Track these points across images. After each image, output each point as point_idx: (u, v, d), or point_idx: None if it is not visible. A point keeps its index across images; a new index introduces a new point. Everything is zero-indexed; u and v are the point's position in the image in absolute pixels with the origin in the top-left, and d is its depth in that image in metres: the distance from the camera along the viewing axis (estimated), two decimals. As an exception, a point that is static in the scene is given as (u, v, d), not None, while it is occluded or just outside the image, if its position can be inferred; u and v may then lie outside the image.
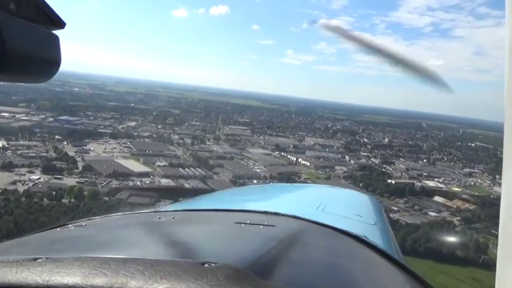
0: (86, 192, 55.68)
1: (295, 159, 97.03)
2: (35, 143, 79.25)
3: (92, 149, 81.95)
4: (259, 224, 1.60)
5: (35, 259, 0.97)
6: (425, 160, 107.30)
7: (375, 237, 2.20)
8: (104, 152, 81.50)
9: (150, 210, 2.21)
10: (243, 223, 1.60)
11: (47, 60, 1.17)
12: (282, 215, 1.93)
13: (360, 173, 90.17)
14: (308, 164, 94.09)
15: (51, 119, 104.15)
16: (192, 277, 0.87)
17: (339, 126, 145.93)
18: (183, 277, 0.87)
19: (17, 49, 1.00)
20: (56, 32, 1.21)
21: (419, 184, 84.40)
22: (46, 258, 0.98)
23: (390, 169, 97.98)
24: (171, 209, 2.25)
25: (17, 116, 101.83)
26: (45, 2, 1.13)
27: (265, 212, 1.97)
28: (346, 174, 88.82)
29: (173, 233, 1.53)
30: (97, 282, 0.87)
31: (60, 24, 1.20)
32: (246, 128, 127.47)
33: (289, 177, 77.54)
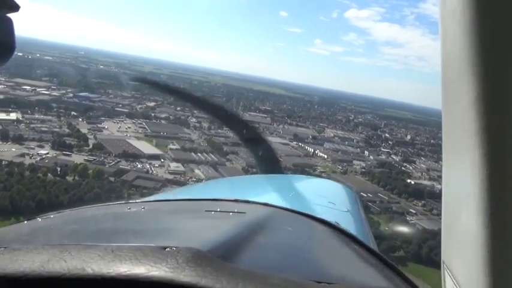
0: (90, 171, 53.37)
1: (312, 150, 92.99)
2: (50, 117, 77.62)
3: (106, 127, 79.90)
4: (229, 212, 1.58)
5: None
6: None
7: (347, 224, 2.12)
8: (117, 131, 79.33)
9: (121, 202, 2.07)
10: (213, 211, 1.59)
11: (1, 45, 1.10)
12: (253, 202, 1.88)
13: (378, 170, 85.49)
14: (325, 156, 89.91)
15: (70, 95, 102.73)
16: (151, 261, 0.86)
17: (360, 119, 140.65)
18: (142, 261, 0.86)
19: None
20: (11, 15, 1.13)
21: (439, 187, 79.30)
22: (5, 248, 0.96)
23: (410, 168, 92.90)
24: (143, 200, 2.09)
25: (37, 89, 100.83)
26: None
27: (236, 200, 1.91)
28: (364, 170, 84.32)
29: (141, 222, 1.52)
30: (55, 268, 0.85)
31: (15, 7, 1.12)
32: (266, 115, 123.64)
33: (303, 169, 73.77)
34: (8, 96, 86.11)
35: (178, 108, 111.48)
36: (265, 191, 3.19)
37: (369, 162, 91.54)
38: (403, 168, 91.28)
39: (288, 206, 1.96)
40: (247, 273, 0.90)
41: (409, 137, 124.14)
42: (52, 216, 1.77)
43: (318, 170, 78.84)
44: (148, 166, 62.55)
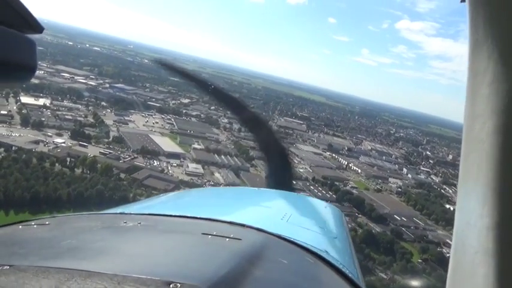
0: (99, 165, 48.84)
1: (346, 163, 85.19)
2: (78, 106, 74.58)
3: (133, 120, 75.98)
4: (226, 237, 1.58)
5: None
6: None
7: (336, 252, 2.19)
8: (144, 125, 75.20)
9: (116, 212, 2.11)
10: (209, 234, 1.58)
11: (22, 66, 1.09)
12: (248, 226, 1.89)
13: (416, 191, 76.54)
14: (359, 170, 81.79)
15: (107, 85, 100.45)
16: None
17: (402, 134, 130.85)
18: None
19: None
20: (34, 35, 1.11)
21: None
22: (10, 266, 0.94)
23: (450, 192, 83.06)
24: (137, 212, 2.06)
25: (75, 77, 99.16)
26: (23, 6, 1.05)
27: (231, 223, 1.90)
28: (400, 189, 75.54)
29: (139, 243, 1.51)
30: None
31: (38, 29, 1.11)
32: (302, 122, 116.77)
33: (333, 183, 66.43)
34: (44, 82, 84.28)
35: (212, 108, 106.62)
36: (257, 210, 3.09)
37: (407, 181, 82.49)
38: (442, 191, 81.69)
39: (280, 230, 1.95)
40: None
41: (451, 156, 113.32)
42: (47, 222, 1.71)
43: (349, 186, 71.19)
44: (165, 165, 57.48)
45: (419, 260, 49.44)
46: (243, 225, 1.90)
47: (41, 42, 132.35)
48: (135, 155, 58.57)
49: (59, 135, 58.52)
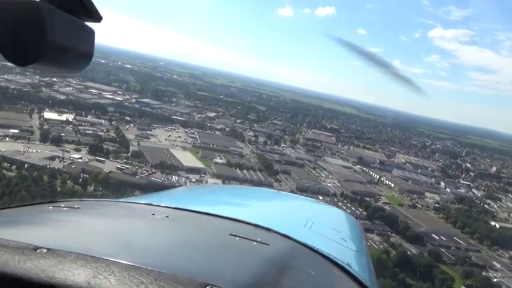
0: (112, 181, 45.90)
1: (378, 177, 79.16)
2: (101, 121, 72.92)
3: (155, 134, 73.55)
4: (253, 240, 1.57)
5: (36, 248, 0.94)
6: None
7: (357, 265, 2.15)
8: (166, 139, 72.52)
9: (142, 202, 2.04)
10: (237, 236, 1.57)
11: (81, 53, 1.11)
12: (274, 231, 1.86)
13: (455, 207, 69.57)
14: (392, 185, 75.54)
15: (133, 100, 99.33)
16: None
17: (438, 146, 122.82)
18: None
19: (55, 40, 0.98)
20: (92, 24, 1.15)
21: (531, 234, 61.43)
22: (47, 249, 0.94)
23: (495, 207, 75.30)
24: (163, 205, 2.01)
25: (103, 93, 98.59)
26: None
27: (258, 226, 1.88)
28: (438, 205, 68.79)
29: (169, 237, 1.53)
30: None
31: (97, 18, 1.13)
32: (331, 134, 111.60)
33: (363, 199, 60.81)
34: (70, 97, 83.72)
35: (239, 121, 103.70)
36: (281, 214, 3.13)
37: (445, 196, 75.46)
38: (486, 206, 74.10)
39: (304, 238, 1.91)
40: None
41: (494, 168, 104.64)
42: (77, 206, 1.71)
43: (381, 201, 65.37)
44: (183, 180, 54.01)
45: (462, 287, 43.29)
46: (269, 230, 1.86)
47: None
48: (154, 170, 55.55)
49: (77, 150, 56.41)
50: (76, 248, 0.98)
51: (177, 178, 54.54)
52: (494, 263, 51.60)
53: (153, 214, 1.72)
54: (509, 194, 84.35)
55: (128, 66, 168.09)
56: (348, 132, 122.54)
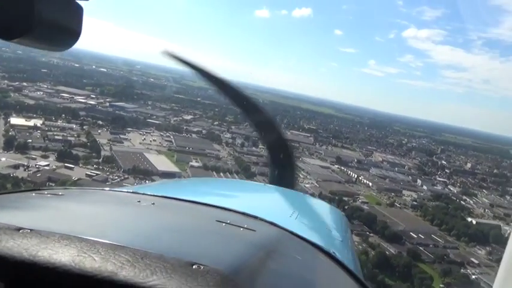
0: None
1: (355, 176, 78.64)
2: (72, 125, 70.07)
3: (129, 138, 71.16)
4: (240, 226, 1.56)
5: (19, 229, 0.92)
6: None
7: (342, 254, 2.13)
8: (140, 143, 70.26)
9: (128, 190, 2.06)
10: (223, 222, 1.56)
11: (69, 30, 1.09)
12: (261, 219, 1.87)
13: (433, 204, 69.51)
14: (370, 184, 75.13)
15: (107, 104, 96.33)
16: (182, 278, 0.84)
17: (414, 144, 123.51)
18: (173, 276, 0.83)
19: (43, 15, 0.96)
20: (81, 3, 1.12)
21: (506, 228, 61.61)
22: (30, 230, 0.92)
23: (471, 203, 75.59)
24: (149, 193, 2.00)
25: (75, 97, 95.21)
26: None
27: (244, 214, 1.88)
28: (415, 203, 68.57)
29: (155, 222, 1.51)
30: (86, 266, 0.82)
31: None
32: (309, 135, 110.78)
33: (341, 199, 60.00)
34: (40, 102, 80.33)
35: (216, 123, 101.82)
36: (267, 204, 3.13)
37: (422, 194, 75.39)
38: (462, 202, 74.31)
39: (291, 227, 1.91)
40: None
41: (469, 165, 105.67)
42: (61, 193, 1.67)
43: (359, 200, 64.69)
44: (157, 185, 52.00)
45: (441, 286, 42.71)
46: (255, 217, 1.87)
47: (46, 64, 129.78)
48: (126, 176, 53.37)
49: (44, 157, 53.71)
50: (60, 230, 0.96)
51: (150, 183, 52.51)
52: (472, 259, 51.41)
53: (139, 201, 1.70)
54: (484, 190, 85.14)
55: (102, 69, 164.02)
56: (326, 132, 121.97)
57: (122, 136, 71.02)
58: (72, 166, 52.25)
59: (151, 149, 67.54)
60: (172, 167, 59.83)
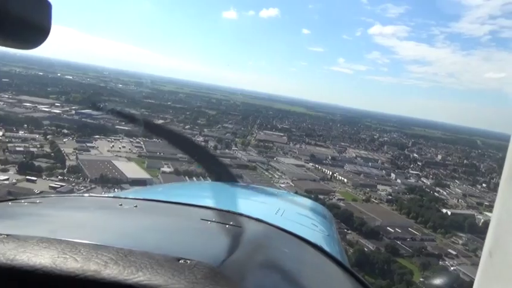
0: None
1: (330, 173, 78.01)
2: (35, 135, 66.40)
3: (96, 146, 68.08)
4: (225, 224, 1.54)
5: None
6: (484, 185, 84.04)
7: (329, 246, 2.19)
8: (109, 151, 67.28)
9: (109, 195, 2.06)
10: (208, 220, 1.53)
11: (37, 27, 1.04)
12: (246, 216, 1.86)
13: (407, 197, 69.53)
14: (345, 180, 74.58)
15: (73, 112, 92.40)
16: (168, 272, 0.81)
17: (386, 138, 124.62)
18: (159, 271, 0.80)
19: (8, 11, 0.92)
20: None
21: (481, 217, 62.16)
22: (7, 235, 0.89)
23: (445, 193, 76.26)
24: (131, 197, 1.97)
25: (38, 106, 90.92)
26: None
27: (229, 212, 1.87)
28: (390, 197, 68.38)
29: (139, 222, 1.47)
30: (67, 267, 0.78)
31: None
32: (282, 134, 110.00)
33: (317, 197, 58.93)
34: (0, 113, 76.18)
35: (187, 126, 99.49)
36: (253, 204, 3.11)
37: (396, 187, 75.41)
38: (436, 194, 74.81)
39: (277, 223, 1.89)
40: None
41: (440, 156, 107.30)
42: (38, 201, 1.63)
43: (335, 198, 63.89)
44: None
45: (421, 279, 42.07)
46: (241, 215, 1.86)
47: (8, 74, 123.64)
48: (93, 185, 50.55)
49: (4, 170, 50.24)
50: (39, 234, 0.92)
51: (119, 192, 49.87)
52: (450, 250, 51.23)
53: (121, 205, 1.65)
54: (456, 181, 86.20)
55: (68, 77, 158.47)
56: (299, 131, 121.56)
57: (88, 144, 67.86)
58: (35, 179, 49.02)
59: (120, 156, 64.73)
60: (142, 174, 57.33)
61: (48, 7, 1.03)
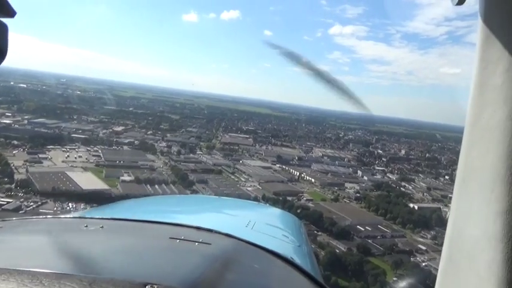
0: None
1: (298, 173, 76.30)
2: (-20, 149, 60.84)
3: (50, 157, 63.13)
4: (194, 241, 1.51)
5: None
6: (447, 177, 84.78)
7: (300, 259, 2.15)
8: (63, 161, 62.53)
9: (74, 216, 1.98)
10: (177, 239, 1.51)
11: None
12: (216, 232, 1.81)
13: (375, 194, 68.75)
14: (313, 180, 73.04)
15: (25, 122, 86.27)
16: None
17: (351, 136, 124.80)
18: None
19: None
20: (6, 21, 1.02)
21: (446, 210, 62.05)
22: None
23: (410, 188, 76.28)
24: (97, 216, 1.88)
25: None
26: None
27: (199, 228, 1.81)
28: (358, 195, 67.31)
29: (105, 245, 1.41)
30: None
31: (10, 13, 1.02)
32: (248, 136, 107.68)
33: (285, 199, 56.88)
34: None
35: (149, 132, 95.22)
36: (222, 217, 2.96)
37: (363, 184, 74.66)
38: (402, 189, 74.64)
39: (247, 237, 1.87)
40: None
41: (403, 151, 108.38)
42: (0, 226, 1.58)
43: (304, 198, 62.07)
44: (82, 206, 45.47)
45: (394, 279, 40.66)
46: (210, 231, 1.81)
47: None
48: (44, 200, 46.20)
49: None
50: None
51: (74, 205, 45.81)
52: (420, 246, 50.40)
53: (86, 226, 1.59)
54: (420, 174, 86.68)
55: (22, 85, 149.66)
56: (265, 132, 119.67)
57: (41, 155, 62.82)
58: (-23, 196, 44.26)
59: (75, 167, 60.23)
60: (100, 184, 53.27)
61: (4, 29, 0.98)
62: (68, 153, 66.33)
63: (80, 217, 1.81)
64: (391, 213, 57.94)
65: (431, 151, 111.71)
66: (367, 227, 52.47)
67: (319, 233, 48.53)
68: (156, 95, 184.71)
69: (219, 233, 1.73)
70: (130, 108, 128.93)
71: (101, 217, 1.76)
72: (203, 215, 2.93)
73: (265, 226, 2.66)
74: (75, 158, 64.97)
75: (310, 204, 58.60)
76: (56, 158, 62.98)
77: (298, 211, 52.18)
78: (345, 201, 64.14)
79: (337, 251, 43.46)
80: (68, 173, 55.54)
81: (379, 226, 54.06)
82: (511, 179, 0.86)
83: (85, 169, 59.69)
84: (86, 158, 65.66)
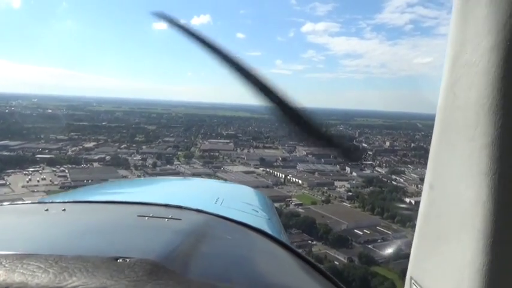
0: None
1: (283, 176, 70.18)
2: None
3: (8, 183, 55.45)
4: (164, 218, 1.47)
5: None
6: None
7: (271, 229, 2.14)
8: (23, 186, 54.88)
9: (33, 202, 1.86)
10: (146, 216, 1.45)
11: None
12: (186, 208, 1.76)
13: (367, 191, 63.13)
14: (300, 181, 66.96)
15: (-15, 146, 77.82)
16: (106, 273, 0.72)
17: (333, 132, 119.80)
18: (96, 273, 0.72)
19: None
20: None
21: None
22: None
23: (402, 181, 71.12)
24: (59, 200, 1.79)
25: None
26: None
27: (168, 205, 1.76)
28: (350, 193, 61.50)
29: (69, 226, 1.34)
30: None
31: None
32: (229, 141, 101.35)
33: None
34: None
35: (123, 146, 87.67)
36: (191, 195, 2.95)
37: (354, 181, 69.15)
38: (394, 182, 69.40)
39: (217, 212, 1.84)
40: (209, 286, 0.83)
41: (387, 143, 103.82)
42: None
43: (292, 203, 55.85)
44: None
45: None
46: (180, 207, 1.77)
47: None
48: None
49: None
50: None
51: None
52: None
53: (47, 210, 1.49)
54: (409, 166, 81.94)
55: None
56: (246, 135, 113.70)
57: (-2, 182, 55.06)
58: None
59: (37, 191, 52.64)
60: (62, 210, 45.90)
61: None
62: (29, 177, 58.61)
63: (39, 202, 1.67)
64: (388, 212, 52.24)
65: (416, 140, 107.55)
66: (365, 230, 46.56)
67: (314, 243, 42.41)
68: (132, 107, 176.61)
69: (189, 209, 1.68)
70: (104, 123, 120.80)
71: (62, 200, 1.65)
72: (171, 194, 2.79)
73: (235, 202, 2.61)
74: (38, 181, 57.38)
75: (300, 210, 52.42)
76: (15, 184, 55.31)
77: (288, 220, 46.02)
78: (337, 202, 58.22)
79: (337, 263, 37.34)
80: (26, 199, 47.80)
81: (377, 227, 48.20)
82: (495, 116, 0.81)
83: (47, 193, 52.00)
84: (50, 180, 58.11)
